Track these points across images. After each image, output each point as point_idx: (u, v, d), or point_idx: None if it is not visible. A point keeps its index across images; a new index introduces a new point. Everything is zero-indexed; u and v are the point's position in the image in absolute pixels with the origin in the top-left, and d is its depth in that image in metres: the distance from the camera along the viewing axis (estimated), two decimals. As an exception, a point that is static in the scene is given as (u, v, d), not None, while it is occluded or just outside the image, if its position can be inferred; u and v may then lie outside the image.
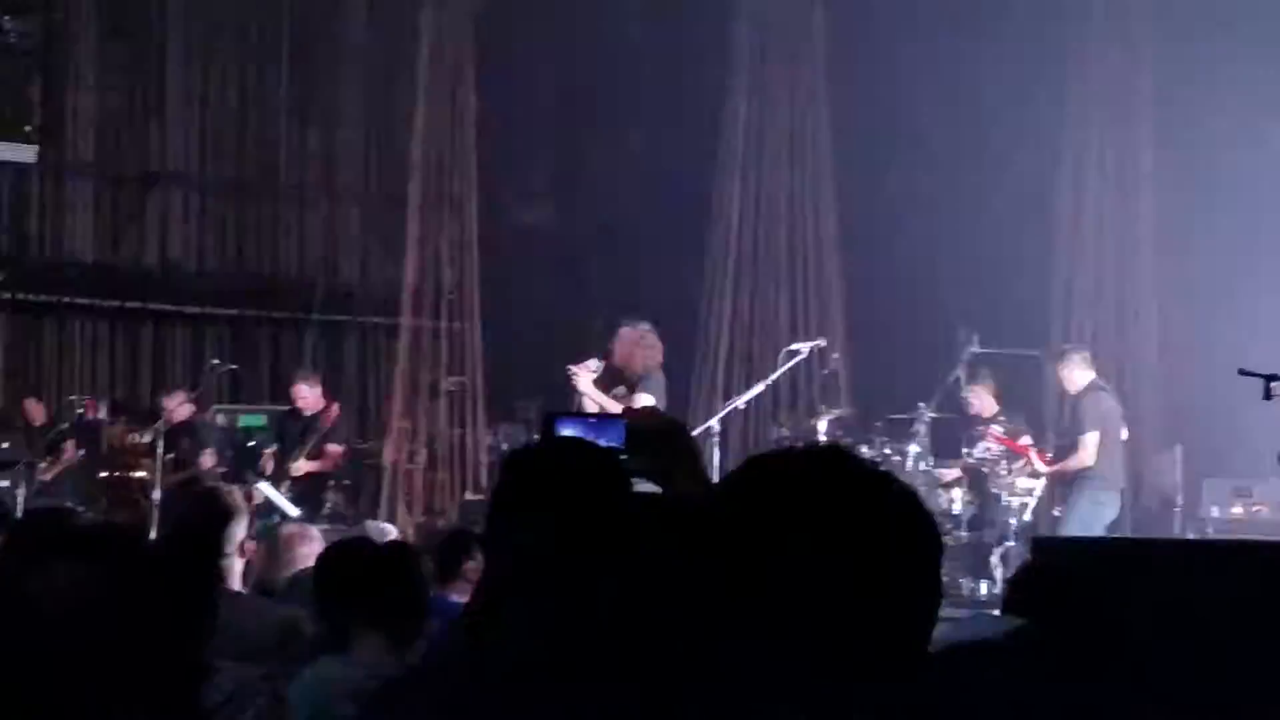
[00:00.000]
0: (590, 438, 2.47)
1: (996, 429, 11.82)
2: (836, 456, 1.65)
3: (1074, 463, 11.05)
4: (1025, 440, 11.77)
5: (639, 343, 9.71)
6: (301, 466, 11.75)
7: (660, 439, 2.48)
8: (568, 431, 2.49)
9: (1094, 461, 10.88)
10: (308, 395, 12.13)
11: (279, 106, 15.88)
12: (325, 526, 9.43)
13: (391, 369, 14.74)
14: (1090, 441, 10.92)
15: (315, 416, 12.01)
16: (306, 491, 11.72)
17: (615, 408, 8.65)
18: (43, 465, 13.45)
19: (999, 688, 2.47)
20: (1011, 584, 3.70)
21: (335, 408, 12.15)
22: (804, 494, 1.56)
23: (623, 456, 2.43)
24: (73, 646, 1.80)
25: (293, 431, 12.05)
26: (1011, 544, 11.47)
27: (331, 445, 12.06)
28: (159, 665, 1.87)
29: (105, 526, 2.04)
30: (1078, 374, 11.19)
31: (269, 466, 12.05)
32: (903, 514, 1.60)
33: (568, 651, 1.25)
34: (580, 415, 2.44)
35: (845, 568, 1.49)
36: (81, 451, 13.50)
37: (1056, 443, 11.87)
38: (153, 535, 11.07)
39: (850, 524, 1.54)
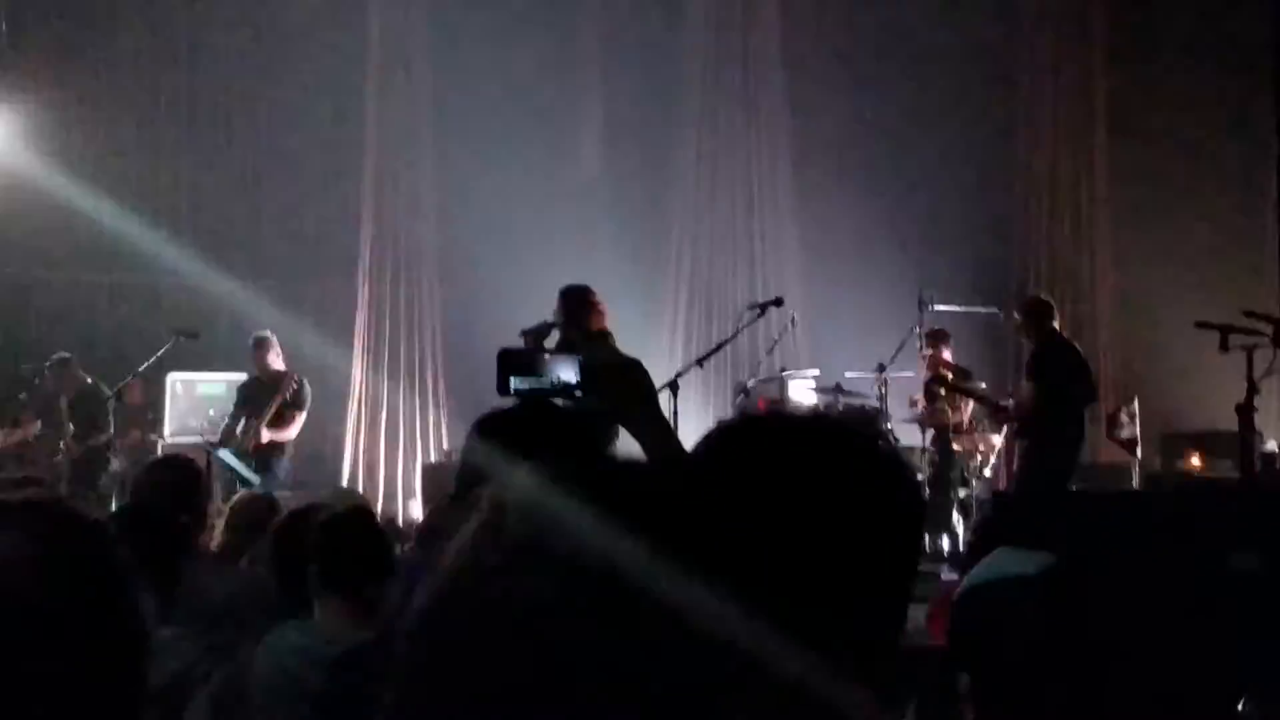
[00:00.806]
0: (544, 375, 2.45)
1: (949, 380, 11.81)
2: (815, 419, 1.64)
3: (1023, 411, 10.93)
4: (981, 394, 11.77)
5: (589, 302, 9.64)
6: (264, 434, 11.70)
7: (616, 375, 2.45)
8: (523, 370, 2.45)
9: (1044, 410, 10.73)
10: (272, 361, 12.08)
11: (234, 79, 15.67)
12: (287, 493, 9.39)
13: (350, 335, 14.71)
14: (1039, 389, 10.76)
15: (277, 383, 11.95)
16: (268, 458, 11.67)
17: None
18: None
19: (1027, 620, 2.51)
20: (973, 537, 3.71)
21: (295, 374, 12.09)
22: (785, 457, 1.55)
23: (578, 394, 2.42)
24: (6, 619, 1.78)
25: (256, 398, 11.99)
26: (972, 499, 11.54)
27: (293, 412, 12.01)
28: (93, 637, 1.85)
29: (29, 498, 2.00)
30: (1038, 324, 11.06)
31: (231, 433, 11.99)
32: (886, 474, 1.60)
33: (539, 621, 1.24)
34: (535, 353, 2.38)
35: (828, 530, 1.49)
36: (39, 422, 13.38)
37: (1013, 397, 11.92)
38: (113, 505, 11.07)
39: (833, 487, 1.54)
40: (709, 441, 1.61)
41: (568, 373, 2.43)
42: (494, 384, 2.54)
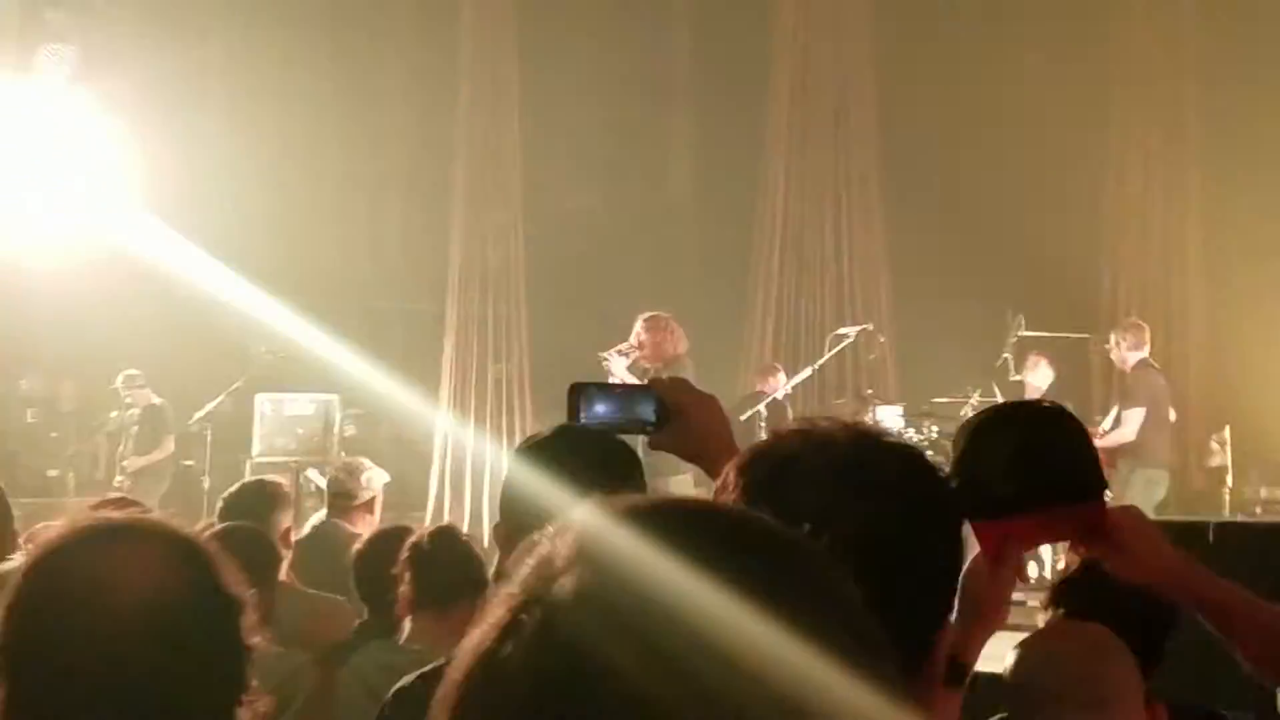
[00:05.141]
0: (618, 409, 2.38)
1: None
2: (849, 430, 1.63)
3: (1116, 437, 10.90)
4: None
5: (667, 330, 9.68)
6: None
7: (692, 412, 2.37)
8: (596, 403, 2.39)
9: (1135, 437, 10.69)
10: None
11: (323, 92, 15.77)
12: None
13: (438, 356, 14.73)
14: (1134, 417, 10.73)
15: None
16: None
17: None
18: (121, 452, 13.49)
19: None
20: (1065, 565, 3.66)
21: None
22: (818, 471, 1.54)
23: (651, 430, 2.34)
24: (132, 630, 1.84)
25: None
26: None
27: None
28: (212, 651, 1.91)
29: (137, 518, 2.08)
30: (1131, 350, 11.01)
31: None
32: (919, 483, 1.60)
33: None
34: (608, 385, 2.30)
35: (862, 542, 1.47)
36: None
37: (1102, 424, 11.78)
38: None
39: (865, 499, 1.53)
40: (740, 468, 1.60)
41: (645, 408, 2.35)
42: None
